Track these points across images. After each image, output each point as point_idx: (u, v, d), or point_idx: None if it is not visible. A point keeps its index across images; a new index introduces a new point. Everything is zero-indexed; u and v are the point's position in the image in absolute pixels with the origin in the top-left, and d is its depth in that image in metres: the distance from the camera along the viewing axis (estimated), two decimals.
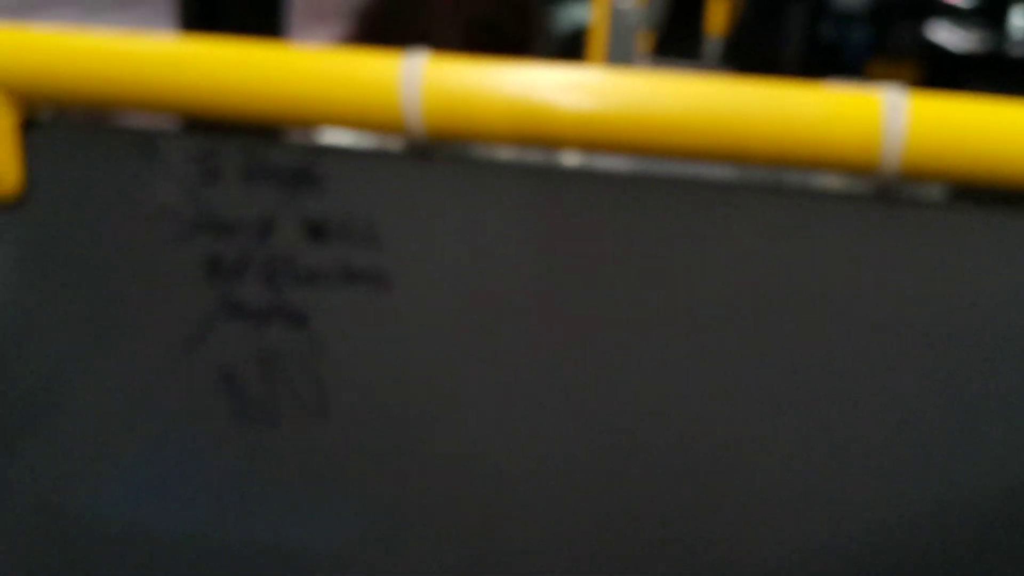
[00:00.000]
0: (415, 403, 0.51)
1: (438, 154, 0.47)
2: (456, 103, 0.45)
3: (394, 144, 0.48)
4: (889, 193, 0.45)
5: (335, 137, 0.51)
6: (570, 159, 0.48)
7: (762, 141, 0.42)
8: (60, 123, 0.49)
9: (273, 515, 0.54)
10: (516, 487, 0.51)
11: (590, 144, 0.44)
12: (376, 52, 0.46)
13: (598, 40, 1.30)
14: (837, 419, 0.48)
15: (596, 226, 0.47)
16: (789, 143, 0.42)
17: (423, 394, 0.50)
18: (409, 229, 0.48)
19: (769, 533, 0.50)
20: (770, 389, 0.48)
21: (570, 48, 1.72)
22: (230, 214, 0.49)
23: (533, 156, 0.49)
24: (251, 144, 0.48)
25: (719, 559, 0.51)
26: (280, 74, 0.46)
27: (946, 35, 2.42)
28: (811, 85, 0.44)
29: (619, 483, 0.50)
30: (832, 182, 0.53)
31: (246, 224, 0.49)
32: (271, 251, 0.49)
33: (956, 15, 2.47)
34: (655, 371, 0.48)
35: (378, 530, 0.53)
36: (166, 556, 0.56)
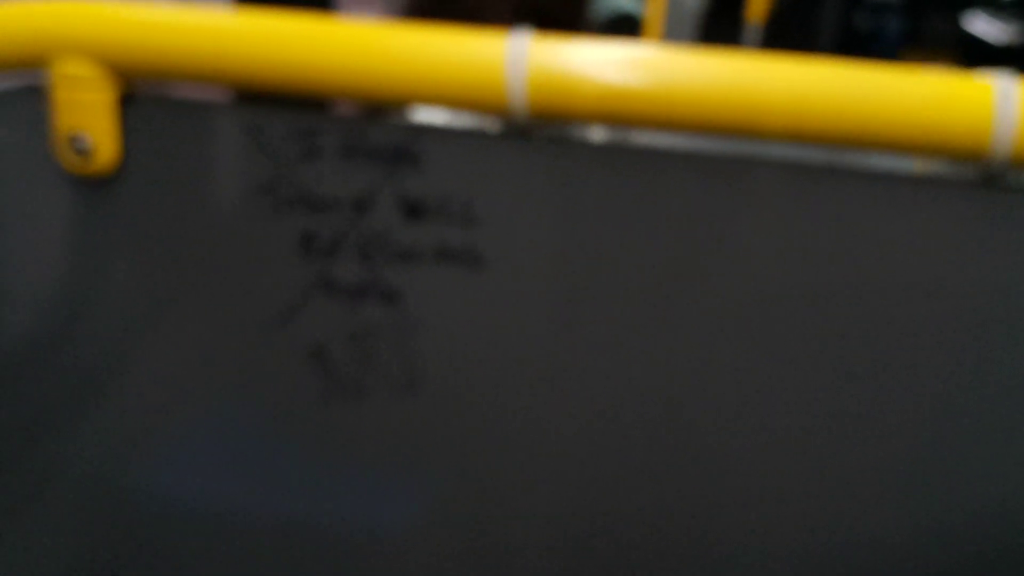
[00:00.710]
0: (504, 383, 0.51)
1: (536, 135, 0.47)
2: (561, 83, 0.45)
3: (491, 124, 0.48)
4: (995, 180, 0.44)
5: (428, 116, 0.51)
6: (669, 141, 0.48)
7: (877, 125, 0.42)
8: (158, 99, 0.49)
9: (353, 493, 0.54)
10: (603, 470, 0.51)
11: (702, 126, 0.44)
12: (478, 31, 0.46)
13: (653, 27, 1.29)
14: (929, 412, 0.48)
15: (698, 210, 0.47)
16: (901, 127, 0.42)
17: (512, 375, 0.51)
18: (505, 209, 0.48)
19: (866, 523, 0.50)
20: (862, 379, 0.48)
21: (610, 35, 1.71)
22: (327, 192, 0.49)
23: (632, 138, 0.49)
24: (350, 123, 0.48)
25: (788, 554, 0.51)
26: (383, 53, 0.46)
27: (983, 26, 2.40)
28: (918, 69, 0.44)
29: (718, 471, 0.50)
30: (918, 167, 0.53)
31: (342, 202, 0.49)
32: (367, 229, 0.49)
33: (994, 6, 2.44)
34: (761, 360, 0.48)
35: (460, 509, 0.54)
36: (238, 532, 0.56)
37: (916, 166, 0.53)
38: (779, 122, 0.43)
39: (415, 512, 0.54)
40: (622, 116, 0.45)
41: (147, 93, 0.49)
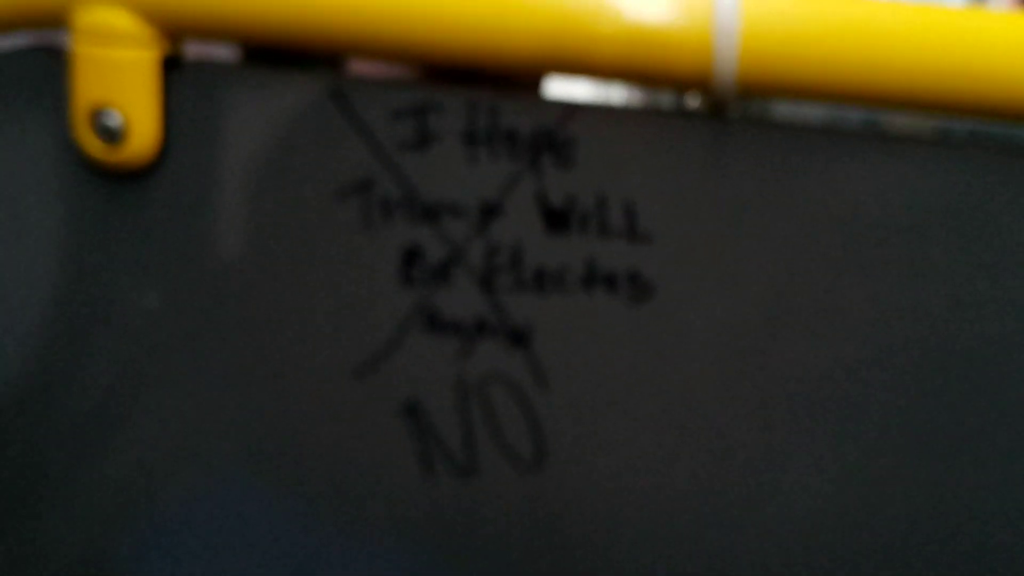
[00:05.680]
0: (667, 462, 0.38)
1: (733, 114, 0.35)
2: (782, 51, 0.33)
3: (664, 101, 0.36)
4: None
5: (572, 91, 0.39)
6: (903, 121, 0.36)
7: None
8: (213, 64, 0.37)
9: None
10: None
11: (964, 107, 0.32)
12: None
13: None
14: None
15: (954, 206, 0.34)
16: None
17: (682, 451, 0.38)
18: (684, 216, 0.35)
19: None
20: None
21: None
22: (441, 192, 0.36)
23: (856, 116, 0.37)
24: (478, 98, 0.35)
25: None
26: (534, 9, 0.33)
27: None
28: None
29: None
30: None
31: (462, 206, 0.36)
32: (491, 243, 0.36)
33: None
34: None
35: None
36: None
37: None
38: None
39: None
40: (866, 93, 0.33)
41: (198, 56, 0.37)
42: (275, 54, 0.37)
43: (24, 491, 0.42)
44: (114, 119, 0.36)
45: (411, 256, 0.37)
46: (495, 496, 0.39)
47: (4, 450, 0.41)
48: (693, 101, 0.36)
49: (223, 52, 0.40)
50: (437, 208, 0.36)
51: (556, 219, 0.36)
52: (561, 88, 0.38)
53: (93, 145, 0.36)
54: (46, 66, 0.36)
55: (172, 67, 0.36)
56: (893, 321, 0.36)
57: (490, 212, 0.36)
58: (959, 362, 0.36)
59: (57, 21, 0.36)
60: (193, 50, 0.37)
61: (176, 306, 0.38)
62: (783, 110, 0.40)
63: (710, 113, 0.35)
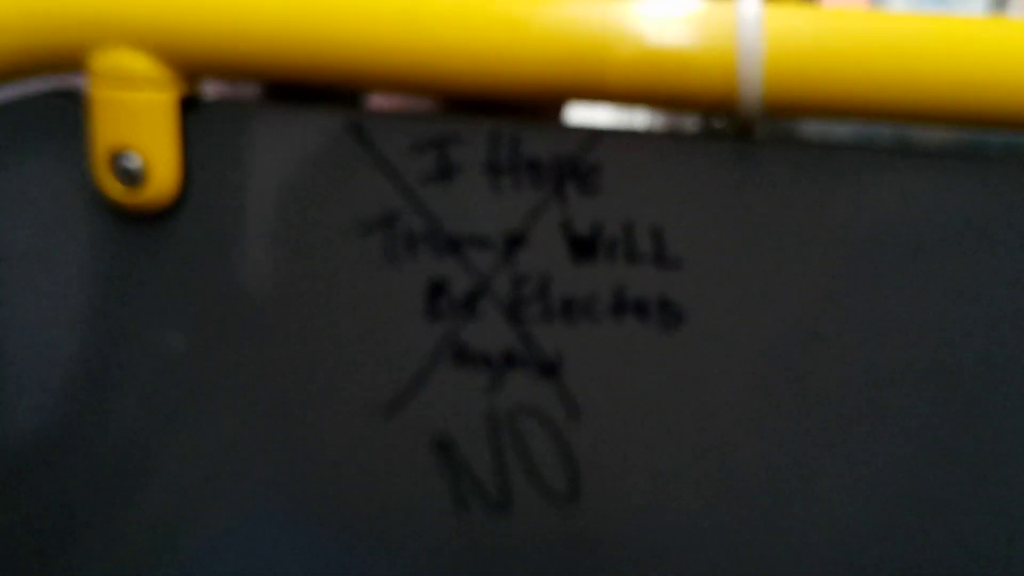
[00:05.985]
0: (707, 495, 0.37)
1: (760, 134, 0.34)
2: (807, 69, 0.32)
3: (688, 124, 0.36)
4: None
5: (594, 117, 0.38)
6: (934, 135, 0.35)
7: None
8: (232, 103, 0.37)
9: None
10: None
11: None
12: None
13: None
14: None
15: (986, 219, 0.34)
16: None
17: (722, 483, 0.37)
18: (715, 239, 0.35)
19: None
20: None
21: None
22: (465, 223, 0.36)
23: (886, 131, 0.36)
24: (499, 128, 0.35)
25: None
26: (562, 34, 0.33)
27: None
28: None
29: None
30: None
31: (486, 237, 0.36)
32: (517, 274, 0.36)
33: None
34: None
35: None
36: None
37: None
38: None
39: None
40: (894, 108, 0.32)
41: (216, 96, 0.37)
42: (294, 90, 0.36)
43: (56, 535, 0.42)
44: (134, 161, 0.36)
45: (437, 289, 0.36)
46: (530, 530, 0.38)
47: (34, 494, 0.41)
48: (718, 123, 0.35)
49: (242, 89, 0.39)
50: (461, 240, 0.36)
51: (582, 247, 0.35)
52: (583, 115, 0.38)
53: (113, 188, 0.36)
54: (65, 110, 0.36)
55: (190, 107, 0.36)
56: (927, 337, 0.35)
57: (515, 242, 0.35)
58: (993, 376, 0.35)
59: (75, 65, 0.36)
60: (211, 88, 0.37)
61: (201, 345, 0.38)
62: (811, 128, 0.39)
63: (736, 134, 0.34)
